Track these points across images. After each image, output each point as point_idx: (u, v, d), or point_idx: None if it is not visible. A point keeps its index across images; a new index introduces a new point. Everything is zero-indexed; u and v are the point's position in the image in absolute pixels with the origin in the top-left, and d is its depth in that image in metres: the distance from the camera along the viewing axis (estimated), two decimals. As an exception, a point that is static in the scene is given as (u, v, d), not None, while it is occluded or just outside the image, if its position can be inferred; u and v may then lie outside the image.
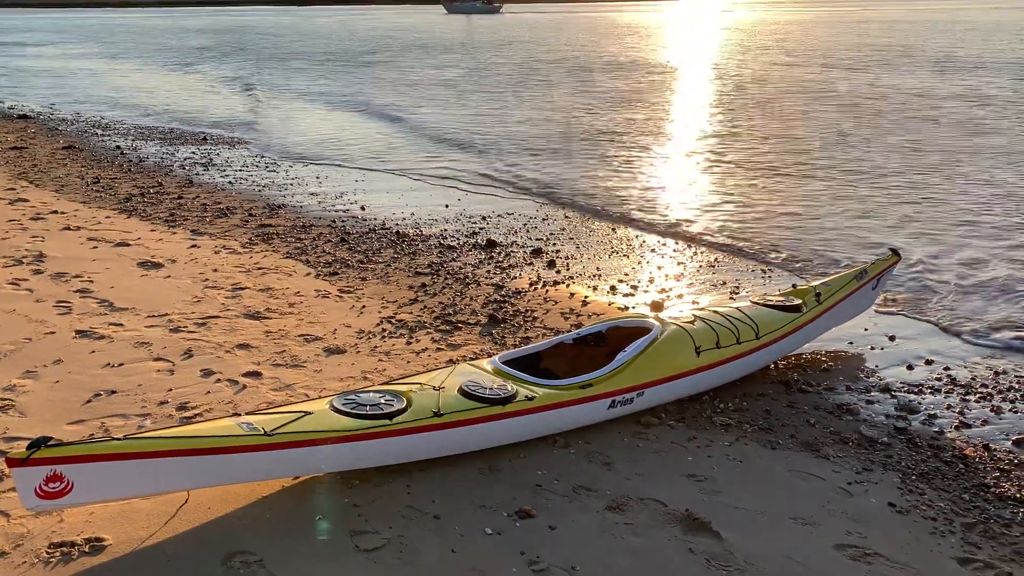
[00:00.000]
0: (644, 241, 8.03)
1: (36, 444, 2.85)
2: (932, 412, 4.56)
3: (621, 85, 22.62)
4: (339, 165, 11.98)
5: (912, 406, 4.62)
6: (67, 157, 11.86)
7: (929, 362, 5.25)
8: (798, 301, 5.08)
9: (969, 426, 4.42)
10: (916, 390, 4.85)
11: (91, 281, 6.14)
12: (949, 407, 4.64)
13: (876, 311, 5.99)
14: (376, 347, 5.14)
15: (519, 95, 20.48)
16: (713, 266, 7.25)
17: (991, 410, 4.61)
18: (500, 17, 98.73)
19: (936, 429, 4.37)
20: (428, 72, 27.51)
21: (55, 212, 8.30)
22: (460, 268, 6.99)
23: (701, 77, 24.96)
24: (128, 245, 7.20)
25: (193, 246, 7.33)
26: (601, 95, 20.40)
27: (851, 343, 5.51)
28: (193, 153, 12.59)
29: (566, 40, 46.92)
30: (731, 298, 6.34)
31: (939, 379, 5.01)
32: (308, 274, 6.69)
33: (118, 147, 12.94)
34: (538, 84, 23.32)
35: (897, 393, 4.79)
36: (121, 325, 5.27)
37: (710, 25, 66.80)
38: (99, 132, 14.65)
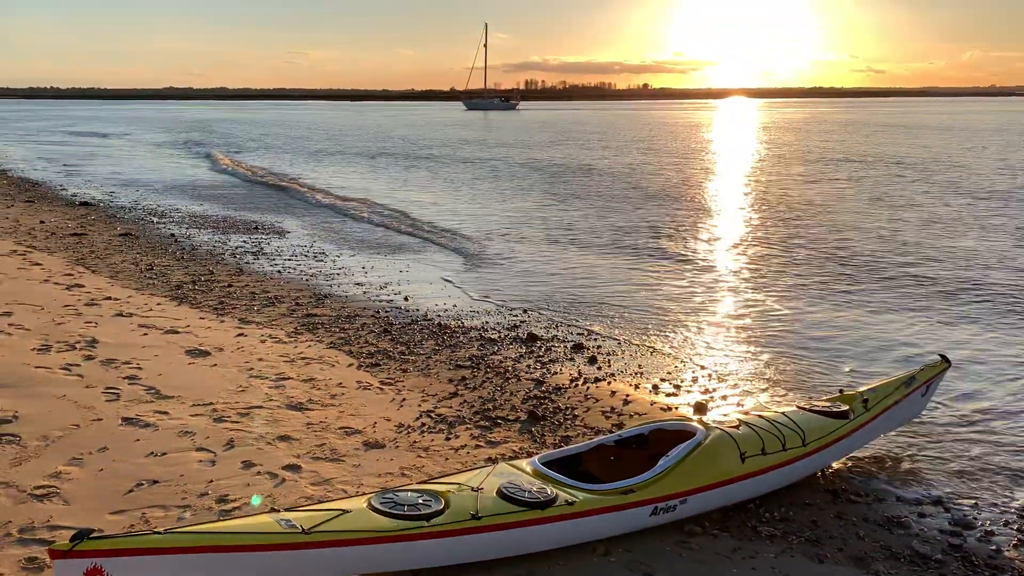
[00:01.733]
0: (687, 340, 7.98)
1: (80, 536, 2.88)
2: (989, 528, 4.38)
3: (662, 183, 22.93)
4: (385, 255, 12.20)
5: (967, 521, 4.44)
6: (123, 244, 12.26)
7: (984, 472, 5.07)
8: (845, 407, 4.98)
9: (1029, 545, 4.23)
10: (971, 503, 4.67)
11: (140, 368, 6.26)
12: (1007, 523, 4.45)
13: (928, 417, 5.83)
14: (415, 442, 5.12)
15: (572, 191, 20.85)
16: (757, 368, 7.15)
17: (1052, 528, 4.41)
18: (517, 114, 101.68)
19: (993, 547, 4.18)
20: (480, 168, 28.25)
21: (109, 298, 8.53)
22: (500, 362, 7.00)
23: (744, 179, 25.20)
24: (177, 332, 7.36)
25: (240, 335, 7.46)
26: (644, 191, 20.67)
27: (902, 449, 5.35)
28: (244, 242, 12.93)
29: (600, 137, 47.93)
30: (776, 402, 6.24)
31: (995, 491, 4.83)
32: (351, 365, 6.75)
33: (172, 235, 13.36)
34: (587, 180, 23.74)
35: (951, 506, 4.61)
36: (167, 413, 5.34)
37: (747, 123, 67.72)
38: (155, 220, 15.15)
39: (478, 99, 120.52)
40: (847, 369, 7.07)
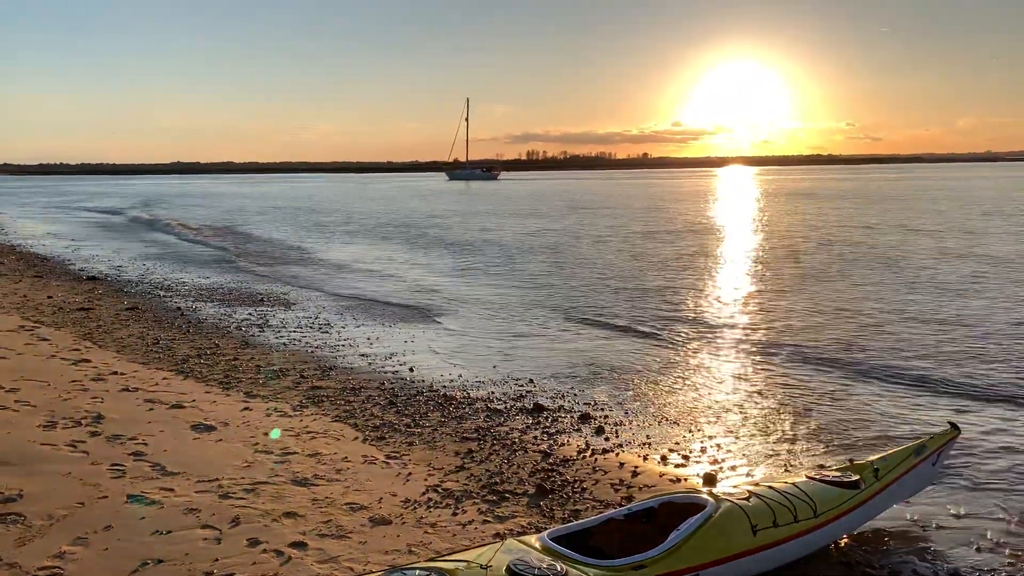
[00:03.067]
0: (694, 409, 7.94)
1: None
2: (1007, 601, 4.30)
3: (667, 253, 23.12)
4: (390, 326, 12.24)
5: (985, 594, 4.36)
6: (130, 318, 12.32)
7: (999, 543, 4.99)
8: (856, 477, 4.93)
9: (1049, 618, 4.14)
10: (988, 575, 4.59)
11: (145, 444, 6.23)
12: (1026, 596, 4.37)
13: (939, 486, 5.76)
14: (422, 518, 5.07)
15: (572, 261, 21.05)
16: (766, 438, 7.10)
17: (1072, 600, 4.32)
18: (499, 184, 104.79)
19: (1013, 621, 4.10)
20: (477, 240, 28.52)
21: (115, 373, 8.54)
22: (507, 433, 6.96)
23: (749, 248, 25.39)
24: (183, 407, 7.35)
25: (246, 408, 7.44)
26: (647, 261, 20.83)
27: (915, 520, 5.28)
28: (250, 314, 12.98)
29: (601, 206, 48.48)
30: (786, 472, 6.17)
31: (1012, 564, 4.75)
32: (356, 438, 6.72)
33: (179, 308, 13.43)
34: (588, 251, 23.95)
35: (968, 579, 4.54)
36: (172, 490, 5.30)
37: (748, 191, 68.43)
38: (161, 293, 15.25)
39: (460, 170, 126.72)
40: (856, 438, 7.02)
